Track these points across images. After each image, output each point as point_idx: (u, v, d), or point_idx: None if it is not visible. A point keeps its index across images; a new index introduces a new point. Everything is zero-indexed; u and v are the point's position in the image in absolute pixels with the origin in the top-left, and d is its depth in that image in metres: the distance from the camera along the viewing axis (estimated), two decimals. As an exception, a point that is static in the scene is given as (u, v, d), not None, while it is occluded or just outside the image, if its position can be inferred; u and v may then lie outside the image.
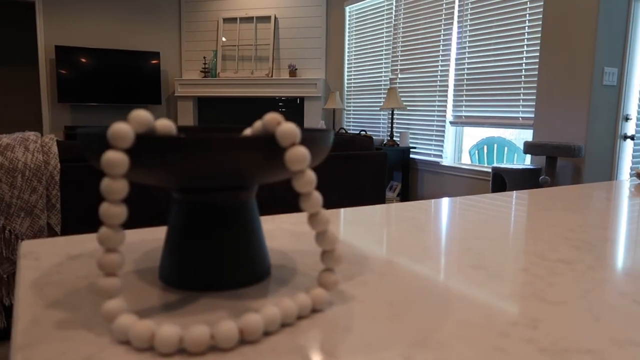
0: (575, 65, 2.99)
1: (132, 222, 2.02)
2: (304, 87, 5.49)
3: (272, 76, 5.58)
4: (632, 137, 3.19)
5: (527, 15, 3.32)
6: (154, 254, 0.45)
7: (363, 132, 4.69)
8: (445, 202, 0.77)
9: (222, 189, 0.36)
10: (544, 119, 3.20)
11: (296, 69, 5.58)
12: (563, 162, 3.10)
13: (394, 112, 4.57)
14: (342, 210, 0.69)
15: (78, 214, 1.96)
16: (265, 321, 0.29)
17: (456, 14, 3.87)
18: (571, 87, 3.03)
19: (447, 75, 3.97)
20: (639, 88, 3.16)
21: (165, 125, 0.33)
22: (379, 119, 4.84)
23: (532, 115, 3.29)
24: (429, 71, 4.15)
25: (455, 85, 3.90)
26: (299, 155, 0.30)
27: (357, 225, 0.60)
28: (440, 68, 4.05)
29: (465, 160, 4.06)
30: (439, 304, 0.35)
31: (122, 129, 0.28)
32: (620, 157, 3.20)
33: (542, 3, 3.19)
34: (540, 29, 3.22)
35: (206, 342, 0.27)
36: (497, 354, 0.28)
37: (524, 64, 3.35)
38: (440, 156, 4.08)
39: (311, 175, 0.31)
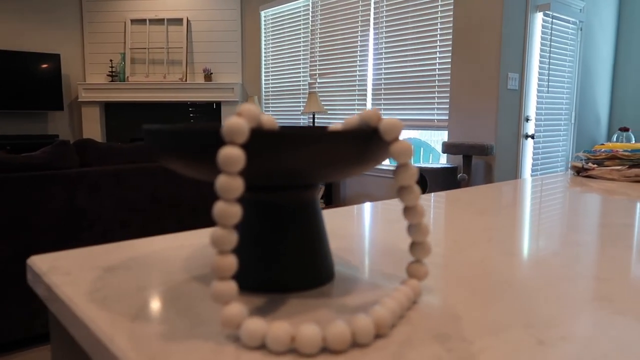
0: (484, 71, 3.24)
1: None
2: (220, 91, 5.38)
3: (186, 80, 5.40)
4: (532, 136, 3.52)
5: (439, 23, 3.54)
6: (193, 261, 0.43)
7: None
8: (441, 196, 0.80)
9: (297, 186, 0.35)
10: (457, 120, 3.43)
11: (211, 73, 5.45)
12: (476, 160, 3.34)
13: (315, 116, 4.63)
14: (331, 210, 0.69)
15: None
16: (391, 315, 0.29)
17: (372, 20, 4.02)
18: (481, 91, 3.28)
19: (365, 80, 4.11)
20: (536, 92, 3.51)
21: (269, 120, 0.31)
22: (300, 123, 4.88)
23: (447, 117, 3.51)
24: (348, 76, 4.27)
25: (373, 89, 4.05)
26: (405, 147, 0.31)
27: (368, 222, 0.60)
28: (358, 72, 4.17)
29: (385, 162, 4.22)
30: (512, 288, 0.37)
31: (239, 124, 0.27)
32: (523, 154, 3.52)
33: (451, 13, 3.42)
34: (451, 37, 3.44)
35: (348, 340, 0.26)
36: (620, 330, 0.30)
37: (437, 70, 3.57)
38: (361, 158, 4.20)
39: (414, 168, 0.31)
